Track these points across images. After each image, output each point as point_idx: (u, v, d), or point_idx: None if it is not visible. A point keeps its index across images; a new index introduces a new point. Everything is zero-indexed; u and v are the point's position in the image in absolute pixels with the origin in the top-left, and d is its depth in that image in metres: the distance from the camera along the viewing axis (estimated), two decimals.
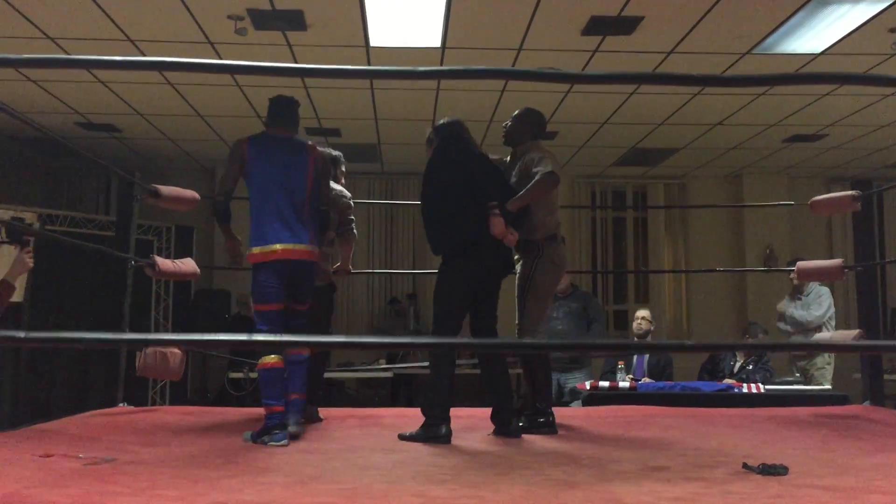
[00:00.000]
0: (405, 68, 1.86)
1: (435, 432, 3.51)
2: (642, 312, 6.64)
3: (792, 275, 5.83)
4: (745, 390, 5.49)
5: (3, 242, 4.32)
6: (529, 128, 4.22)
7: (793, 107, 6.95)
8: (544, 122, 4.33)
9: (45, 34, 5.37)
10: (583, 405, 5.48)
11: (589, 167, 9.39)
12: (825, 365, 6.31)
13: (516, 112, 4.26)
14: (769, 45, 5.62)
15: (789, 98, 6.71)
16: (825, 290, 6.53)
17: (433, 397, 3.65)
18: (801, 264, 5.30)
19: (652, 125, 7.59)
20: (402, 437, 3.60)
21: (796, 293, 6.56)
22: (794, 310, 6.50)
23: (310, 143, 3.95)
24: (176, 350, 4.57)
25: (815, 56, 5.76)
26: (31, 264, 4.04)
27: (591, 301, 6.91)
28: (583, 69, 6.00)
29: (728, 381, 5.85)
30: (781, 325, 6.61)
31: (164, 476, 2.53)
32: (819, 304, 6.42)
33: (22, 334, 1.84)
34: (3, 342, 3.39)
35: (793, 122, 7.37)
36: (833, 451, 3.23)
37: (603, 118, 7.38)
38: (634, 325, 6.62)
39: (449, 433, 3.52)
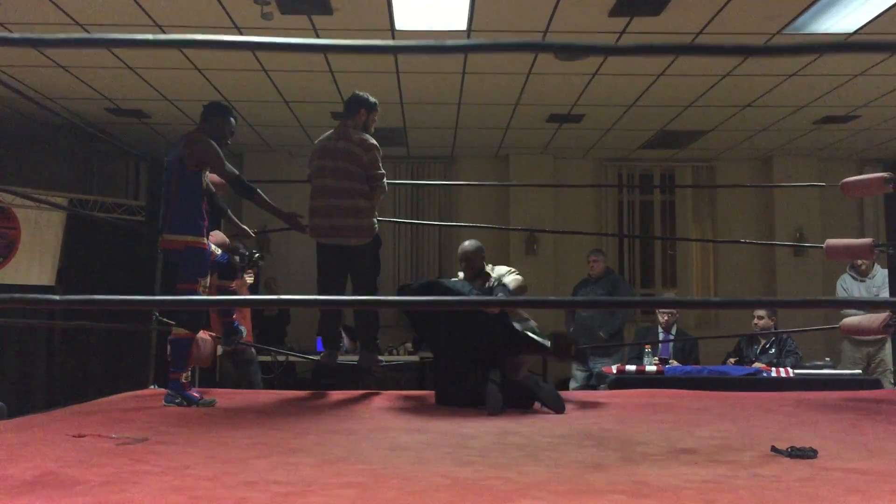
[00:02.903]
0: (433, 42, 1.83)
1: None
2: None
3: (861, 261, 5.67)
4: (773, 374, 5.45)
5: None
6: None
7: (824, 87, 6.83)
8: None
9: (74, 20, 5.42)
10: (609, 389, 5.48)
11: (616, 150, 9.33)
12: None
13: None
14: (800, 25, 5.53)
15: (820, 79, 6.60)
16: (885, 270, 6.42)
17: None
18: (830, 242, 5.22)
19: (680, 107, 7.51)
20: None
21: (860, 275, 6.44)
22: (862, 292, 6.39)
23: (191, 134, 4.20)
24: (207, 337, 4.65)
25: (848, 35, 5.66)
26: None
27: (619, 284, 6.90)
28: None
29: (757, 365, 5.81)
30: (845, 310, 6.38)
31: (195, 456, 2.56)
32: (886, 284, 6.28)
33: (56, 297, 1.91)
34: (39, 305, 3.50)
35: (824, 103, 7.25)
36: (863, 434, 3.20)
37: (630, 101, 7.32)
38: (659, 314, 6.58)
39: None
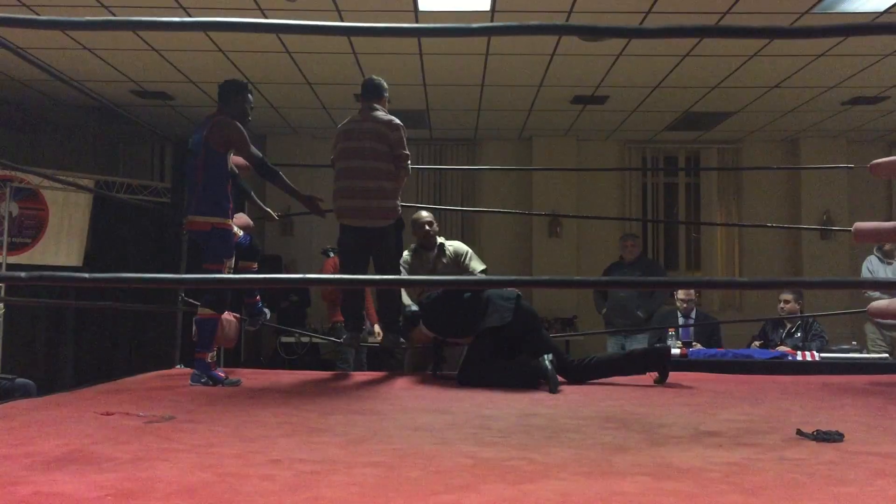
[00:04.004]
0: (457, 25, 1.82)
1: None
2: (682, 294, 6.53)
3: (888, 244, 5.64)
4: (799, 358, 5.40)
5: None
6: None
7: (853, 68, 6.72)
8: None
9: (99, 3, 5.45)
10: None
11: (640, 132, 9.25)
12: None
13: None
14: (830, 4, 5.43)
15: (850, 59, 6.49)
16: None
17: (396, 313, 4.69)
18: (858, 225, 5.14)
19: (706, 88, 7.42)
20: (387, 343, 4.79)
21: (887, 257, 6.38)
22: (888, 274, 6.32)
23: (215, 116, 4.19)
24: (231, 318, 4.69)
25: (878, 15, 5.56)
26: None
27: (653, 268, 6.88)
28: None
29: (782, 348, 5.76)
30: (871, 294, 6.35)
31: (221, 434, 2.59)
32: None
33: (86, 275, 1.96)
34: (69, 283, 3.56)
35: (853, 83, 7.14)
36: (890, 418, 3.16)
37: (655, 82, 7.24)
38: (678, 301, 6.54)
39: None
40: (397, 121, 4.56)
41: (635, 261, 6.91)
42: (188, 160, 4.23)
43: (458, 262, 5.21)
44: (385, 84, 4.71)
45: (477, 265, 5.23)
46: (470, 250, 5.35)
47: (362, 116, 4.58)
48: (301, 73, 7.03)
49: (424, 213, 5.29)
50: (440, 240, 5.28)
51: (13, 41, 6.02)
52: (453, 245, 5.33)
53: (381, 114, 4.57)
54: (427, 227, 5.16)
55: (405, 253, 5.17)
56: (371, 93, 4.65)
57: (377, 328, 7.18)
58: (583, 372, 4.40)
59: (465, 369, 4.31)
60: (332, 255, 6.94)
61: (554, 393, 3.87)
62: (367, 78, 4.73)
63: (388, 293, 4.72)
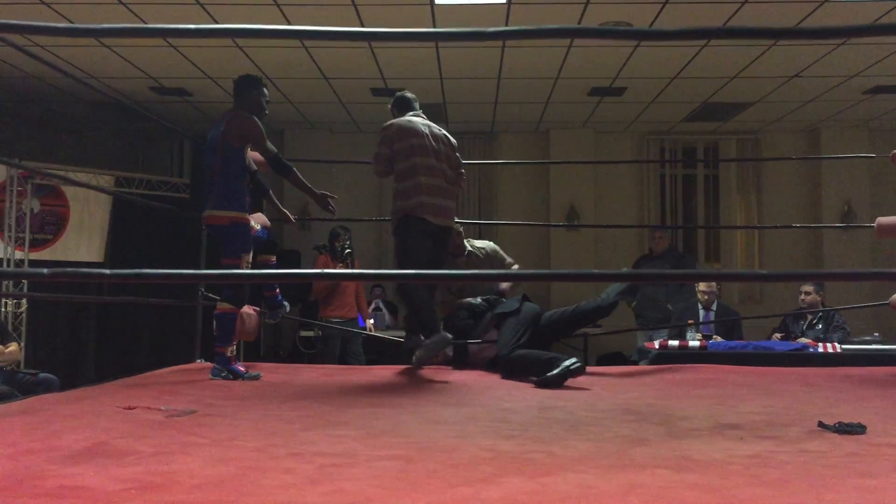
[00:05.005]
0: (472, 30, 1.82)
1: (440, 344, 4.31)
2: (703, 286, 6.49)
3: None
4: (820, 350, 5.35)
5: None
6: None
7: (875, 56, 6.64)
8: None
9: (119, 0, 5.48)
10: (651, 364, 5.44)
11: (658, 123, 9.20)
12: None
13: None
14: None
15: (871, 47, 6.41)
16: None
17: (426, 318, 4.38)
18: (881, 220, 5.10)
19: (724, 79, 7.36)
20: (418, 360, 4.42)
21: None
22: None
23: (232, 111, 4.22)
24: (251, 312, 4.72)
25: None
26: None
27: (683, 260, 6.86)
28: (652, 22, 5.84)
29: (803, 340, 5.72)
30: None
31: (242, 428, 2.61)
32: None
33: (107, 271, 2.05)
34: (91, 279, 3.61)
35: (874, 72, 7.05)
36: None
37: (673, 73, 7.20)
38: (699, 293, 6.50)
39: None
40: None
41: (664, 253, 6.90)
42: (206, 155, 4.25)
43: (492, 261, 5.36)
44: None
45: (511, 262, 5.47)
46: (500, 250, 5.53)
47: (425, 121, 4.61)
48: (318, 68, 7.04)
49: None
50: (467, 244, 5.40)
51: (35, 39, 6.09)
52: (485, 248, 5.47)
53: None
54: (456, 238, 5.23)
55: None
56: (415, 105, 4.71)
57: (369, 322, 7.30)
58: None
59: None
60: (323, 252, 7.09)
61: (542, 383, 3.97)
62: (405, 92, 4.79)
63: (415, 297, 4.56)
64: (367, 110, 8.47)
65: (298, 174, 4.36)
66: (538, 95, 7.99)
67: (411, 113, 4.62)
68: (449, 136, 4.66)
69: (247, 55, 6.68)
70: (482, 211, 9.54)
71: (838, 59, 6.73)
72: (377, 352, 7.37)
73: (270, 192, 4.81)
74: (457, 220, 4.96)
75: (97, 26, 1.81)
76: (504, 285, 5.19)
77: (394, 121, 4.58)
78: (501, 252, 5.51)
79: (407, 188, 4.43)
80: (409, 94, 4.74)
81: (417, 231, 4.43)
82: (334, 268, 6.80)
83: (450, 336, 4.41)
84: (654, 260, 6.98)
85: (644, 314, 6.80)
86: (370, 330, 7.27)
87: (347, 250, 6.94)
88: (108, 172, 7.96)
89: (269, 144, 4.24)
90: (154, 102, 8.09)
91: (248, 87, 4.27)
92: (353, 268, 6.95)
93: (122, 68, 7.01)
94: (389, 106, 4.78)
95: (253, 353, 8.24)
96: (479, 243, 5.50)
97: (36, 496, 1.71)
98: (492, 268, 5.22)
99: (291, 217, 4.97)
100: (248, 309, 4.61)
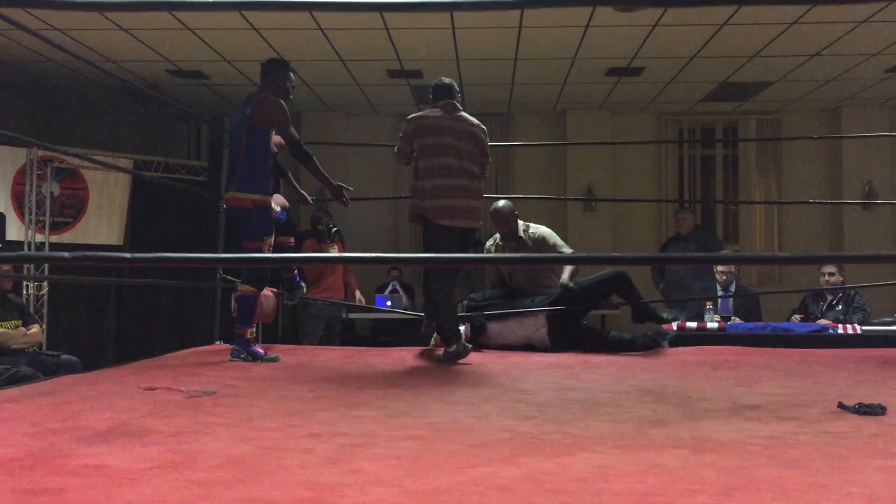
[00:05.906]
0: None
1: (459, 350, 4.22)
2: (721, 266, 6.45)
3: None
4: (840, 331, 5.32)
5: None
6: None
7: None
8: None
9: None
10: (670, 346, 5.42)
11: (676, 104, 9.11)
12: None
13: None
14: None
15: (892, 25, 6.30)
16: None
17: (446, 319, 4.34)
18: None
19: (744, 58, 7.27)
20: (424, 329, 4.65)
21: None
22: None
23: (259, 94, 4.20)
24: (269, 294, 4.74)
25: None
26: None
27: (710, 241, 6.84)
28: None
29: (822, 321, 5.68)
30: None
31: (261, 409, 2.64)
32: None
33: (127, 255, 2.06)
34: (112, 263, 3.64)
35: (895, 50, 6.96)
36: None
37: (692, 52, 7.12)
38: (717, 274, 6.46)
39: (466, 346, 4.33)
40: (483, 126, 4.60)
41: (690, 234, 6.85)
42: (231, 137, 4.25)
43: (540, 249, 5.27)
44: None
45: (565, 251, 5.39)
46: (555, 236, 5.41)
47: (448, 114, 4.47)
48: (334, 50, 7.03)
49: (503, 204, 5.36)
50: (521, 225, 5.37)
51: (52, 22, 6.12)
52: (538, 231, 5.40)
53: (469, 115, 4.55)
54: (510, 220, 5.30)
55: (489, 244, 5.57)
56: (451, 93, 4.56)
57: (358, 294, 7.37)
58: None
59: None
60: (310, 237, 7.18)
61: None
62: (441, 79, 4.65)
63: (438, 293, 4.48)
64: (383, 92, 8.45)
65: (317, 163, 4.30)
66: (555, 76, 7.93)
67: (442, 103, 4.49)
68: (476, 128, 4.51)
69: (263, 38, 6.67)
70: (499, 194, 9.50)
71: (859, 38, 6.62)
72: (395, 333, 7.40)
73: (289, 173, 4.81)
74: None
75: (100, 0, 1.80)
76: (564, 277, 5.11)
77: (416, 115, 4.51)
78: (555, 238, 5.36)
79: (424, 188, 4.39)
80: (445, 80, 4.61)
81: (440, 237, 4.37)
82: (321, 249, 6.93)
83: (469, 346, 4.40)
84: (681, 241, 6.92)
85: (673, 296, 6.75)
86: (360, 303, 7.39)
87: (335, 229, 7.15)
88: (126, 155, 8.00)
89: (293, 130, 4.22)
90: (171, 85, 8.11)
91: (275, 70, 4.26)
92: (341, 247, 7.26)
93: (139, 51, 7.02)
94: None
95: (271, 335, 8.29)
96: (533, 228, 5.39)
97: (59, 475, 1.73)
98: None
99: (309, 198, 4.98)
100: (266, 290, 4.64)
